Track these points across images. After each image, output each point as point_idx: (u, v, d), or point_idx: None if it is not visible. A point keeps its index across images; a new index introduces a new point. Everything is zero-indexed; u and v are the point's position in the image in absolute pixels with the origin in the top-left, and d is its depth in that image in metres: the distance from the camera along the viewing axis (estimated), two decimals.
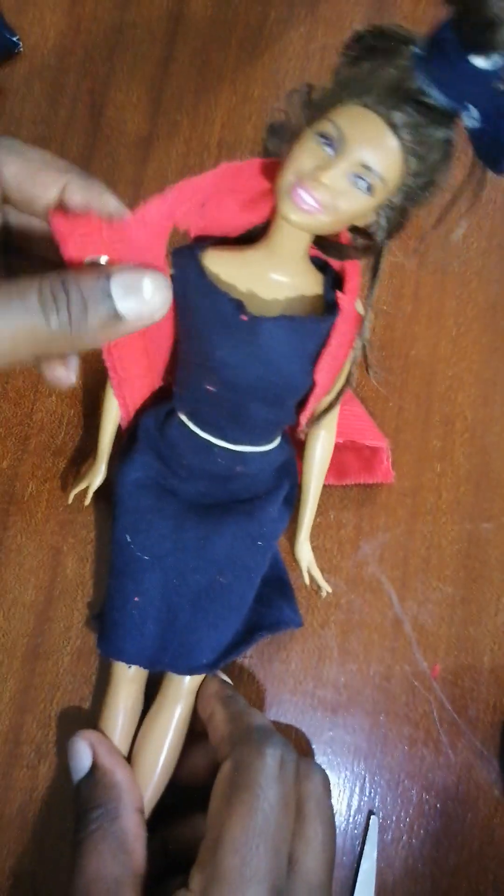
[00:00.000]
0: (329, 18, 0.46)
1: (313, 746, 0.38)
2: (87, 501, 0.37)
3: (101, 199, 0.28)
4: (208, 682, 0.35)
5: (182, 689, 0.34)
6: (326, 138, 0.27)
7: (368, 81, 0.26)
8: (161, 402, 0.35)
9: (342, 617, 0.39)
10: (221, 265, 0.31)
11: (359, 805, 0.38)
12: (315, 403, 0.33)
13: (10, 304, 0.24)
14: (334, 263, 0.32)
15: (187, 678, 0.34)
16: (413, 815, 0.38)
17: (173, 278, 0.31)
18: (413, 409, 0.42)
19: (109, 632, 0.34)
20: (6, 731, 0.36)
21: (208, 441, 0.33)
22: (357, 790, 0.38)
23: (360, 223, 0.29)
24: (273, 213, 0.30)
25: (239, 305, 0.29)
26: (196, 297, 0.30)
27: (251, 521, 0.35)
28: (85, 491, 0.37)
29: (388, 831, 0.37)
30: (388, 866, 0.37)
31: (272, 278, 0.31)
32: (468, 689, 0.39)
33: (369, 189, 0.27)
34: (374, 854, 0.37)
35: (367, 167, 0.26)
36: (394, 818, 0.38)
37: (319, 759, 0.38)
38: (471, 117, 0.26)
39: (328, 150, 0.27)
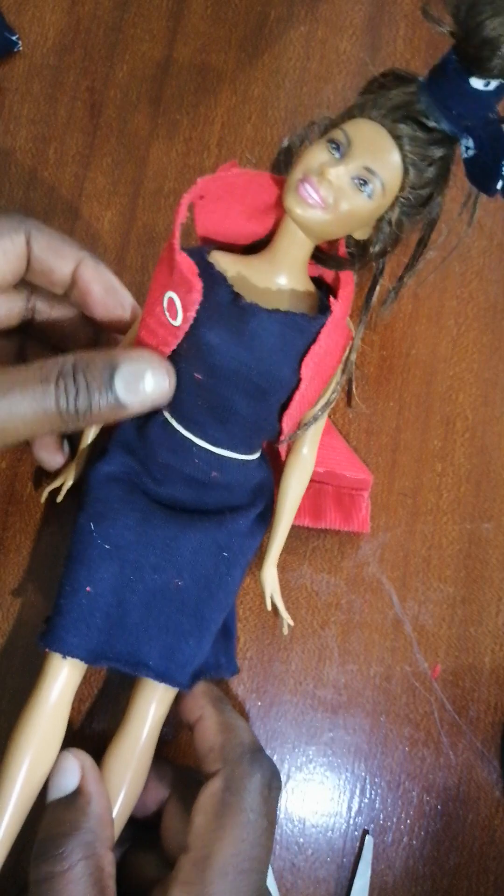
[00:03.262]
0: (329, 18, 0.46)
1: (313, 747, 0.38)
2: (60, 498, 0.36)
3: (110, 281, 0.34)
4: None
5: (149, 711, 0.33)
6: (335, 143, 0.29)
7: (377, 100, 0.29)
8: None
9: (342, 617, 0.39)
10: (227, 264, 0.32)
11: (359, 807, 0.37)
12: (299, 405, 0.33)
13: (32, 392, 0.28)
14: (328, 277, 0.34)
15: (154, 704, 0.33)
16: (414, 816, 0.37)
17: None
18: (413, 408, 0.42)
19: (52, 621, 0.32)
20: (6, 731, 0.36)
21: (188, 439, 0.33)
22: (357, 791, 0.38)
23: (357, 235, 0.32)
24: (277, 223, 0.32)
25: (236, 294, 0.31)
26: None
27: (219, 529, 0.34)
28: (58, 490, 0.36)
29: (388, 832, 0.37)
30: (388, 867, 0.37)
31: (272, 280, 0.32)
32: (469, 690, 0.39)
33: (370, 194, 0.29)
34: (368, 873, 0.36)
35: (370, 170, 0.29)
36: (394, 819, 0.37)
37: (319, 759, 0.38)
38: (466, 147, 0.29)
39: (336, 153, 0.29)
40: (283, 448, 0.35)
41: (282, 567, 0.39)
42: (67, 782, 0.30)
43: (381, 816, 0.37)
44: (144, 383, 0.29)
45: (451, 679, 0.39)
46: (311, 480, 0.35)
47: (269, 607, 0.35)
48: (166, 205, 0.43)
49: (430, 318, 0.43)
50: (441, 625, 0.39)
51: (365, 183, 0.29)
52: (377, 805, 0.38)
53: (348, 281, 0.33)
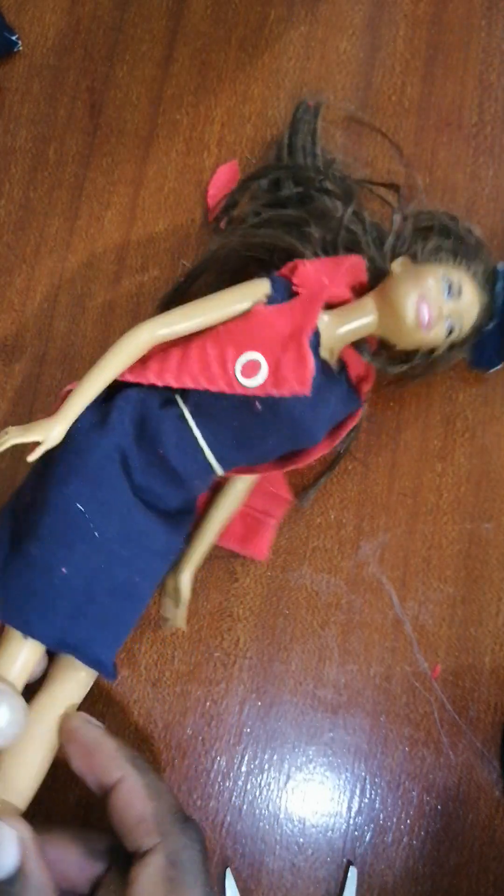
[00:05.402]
0: (329, 18, 0.46)
1: (313, 747, 0.38)
2: (33, 457, 0.31)
3: None
4: (97, 732, 0.31)
5: (64, 692, 0.32)
6: (449, 285, 0.34)
7: (477, 264, 0.36)
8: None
9: (342, 617, 0.39)
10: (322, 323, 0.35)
11: (359, 807, 0.37)
12: (305, 461, 0.35)
13: None
14: (355, 364, 0.37)
15: (71, 685, 0.33)
16: (414, 816, 0.37)
17: (270, 298, 0.34)
18: (413, 408, 0.42)
19: (19, 599, 0.31)
20: None
21: (199, 445, 0.33)
22: (358, 791, 0.38)
23: (402, 346, 0.36)
24: (352, 296, 0.36)
25: (325, 361, 0.34)
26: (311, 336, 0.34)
27: (175, 532, 0.34)
28: (27, 446, 0.32)
29: (388, 832, 0.37)
30: (388, 867, 0.37)
31: (330, 344, 0.35)
32: (469, 690, 0.39)
33: (449, 334, 0.35)
34: None
35: (460, 322, 0.35)
36: (394, 819, 0.37)
37: (319, 759, 0.38)
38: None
39: (446, 292, 0.34)
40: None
41: (282, 567, 0.39)
42: (5, 861, 0.26)
43: (381, 816, 0.37)
44: None
45: (451, 679, 0.39)
46: None
47: (177, 608, 0.36)
48: (166, 205, 0.43)
49: None
50: (441, 625, 0.39)
51: (453, 325, 0.35)
52: (377, 805, 0.38)
53: (372, 374, 0.38)
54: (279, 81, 0.45)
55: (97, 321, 0.42)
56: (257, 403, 0.32)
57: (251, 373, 0.32)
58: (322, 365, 0.34)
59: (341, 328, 0.35)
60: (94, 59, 0.45)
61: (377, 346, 0.37)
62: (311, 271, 0.34)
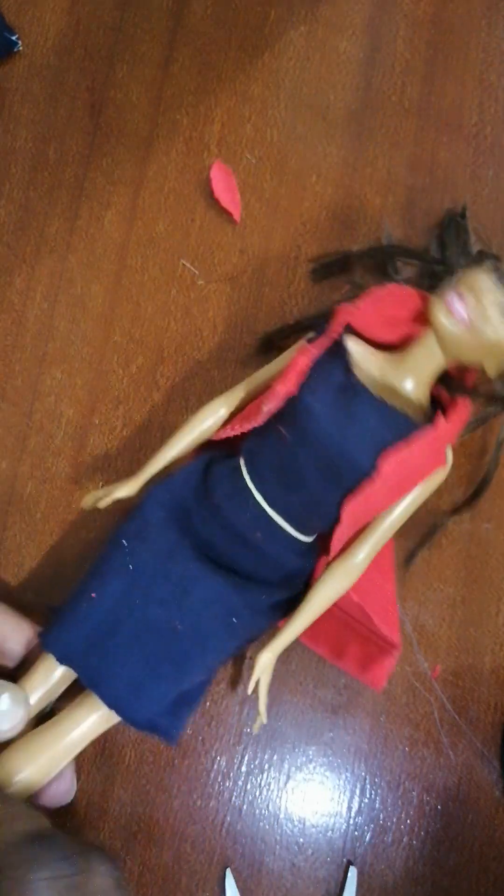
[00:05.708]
0: (329, 18, 0.46)
1: (313, 747, 0.38)
2: (103, 504, 0.35)
3: None
4: None
5: (84, 721, 0.32)
6: (502, 277, 0.31)
7: None
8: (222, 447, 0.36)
9: None
10: (357, 347, 0.34)
11: (359, 807, 0.37)
12: (365, 497, 0.32)
13: None
14: (447, 401, 0.35)
15: (93, 717, 0.32)
16: (414, 816, 0.37)
17: (311, 339, 0.34)
18: None
19: (53, 619, 0.33)
20: None
21: (248, 489, 0.33)
22: (358, 791, 0.38)
23: (489, 369, 0.33)
24: (409, 336, 0.34)
25: (350, 371, 0.33)
26: (322, 352, 0.33)
27: (237, 594, 0.34)
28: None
29: (388, 833, 0.37)
30: (388, 868, 0.37)
31: (391, 379, 0.33)
32: (469, 690, 0.39)
33: None
34: None
35: None
36: (394, 819, 0.37)
37: (319, 759, 0.38)
38: None
39: (497, 282, 0.31)
40: (335, 545, 0.34)
41: None
42: None
43: (381, 816, 0.37)
44: None
45: (451, 679, 0.39)
46: (342, 609, 0.35)
47: (250, 691, 0.34)
48: (166, 205, 0.43)
49: None
50: (441, 625, 0.39)
51: None
52: (377, 805, 0.38)
53: (464, 409, 0.34)
54: (279, 81, 0.45)
55: (97, 321, 0.42)
56: (283, 431, 0.32)
57: (269, 401, 0.33)
58: (351, 383, 0.33)
59: (407, 362, 0.33)
60: (94, 59, 0.45)
61: (475, 378, 0.35)
62: (345, 306, 0.34)
